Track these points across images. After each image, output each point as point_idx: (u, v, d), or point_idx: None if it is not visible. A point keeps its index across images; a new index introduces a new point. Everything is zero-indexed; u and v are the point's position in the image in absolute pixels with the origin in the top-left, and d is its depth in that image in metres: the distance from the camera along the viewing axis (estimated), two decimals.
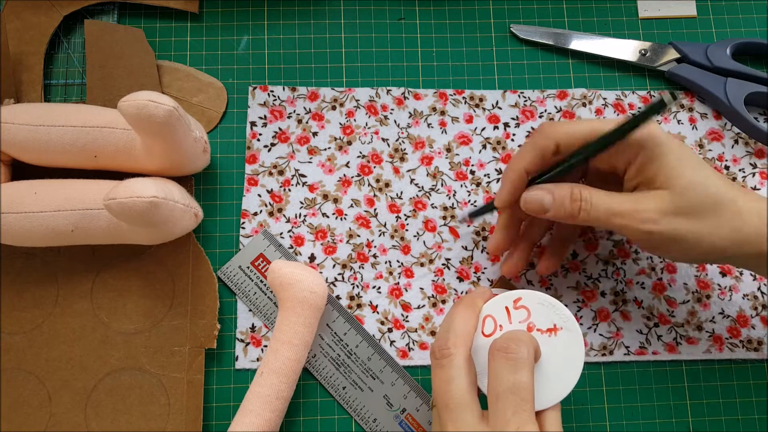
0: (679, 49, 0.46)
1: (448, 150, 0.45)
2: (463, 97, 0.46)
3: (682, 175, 0.33)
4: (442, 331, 0.34)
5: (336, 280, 0.42)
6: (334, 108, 0.45)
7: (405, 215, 0.43)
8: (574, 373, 0.33)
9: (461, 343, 0.32)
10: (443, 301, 0.42)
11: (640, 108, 0.46)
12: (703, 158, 0.45)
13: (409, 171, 0.44)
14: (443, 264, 0.43)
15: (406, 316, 0.42)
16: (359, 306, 0.42)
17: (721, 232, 0.33)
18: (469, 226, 0.43)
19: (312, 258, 0.42)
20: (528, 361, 0.31)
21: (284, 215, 0.43)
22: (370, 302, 0.42)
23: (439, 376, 0.32)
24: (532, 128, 0.45)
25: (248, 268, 0.42)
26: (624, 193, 0.35)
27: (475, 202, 0.44)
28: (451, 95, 0.45)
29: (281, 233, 0.43)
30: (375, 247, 0.43)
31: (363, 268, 0.42)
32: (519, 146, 0.45)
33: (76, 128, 0.38)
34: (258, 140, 0.44)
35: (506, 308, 0.34)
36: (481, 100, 0.46)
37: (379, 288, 0.42)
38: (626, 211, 0.34)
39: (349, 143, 0.44)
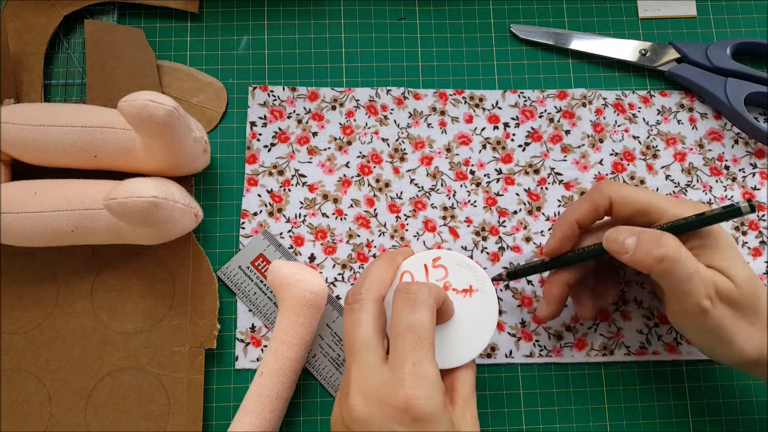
0: (679, 49, 0.46)
1: (448, 150, 0.45)
2: (463, 97, 0.46)
3: (741, 269, 0.34)
4: (358, 280, 0.35)
5: (336, 280, 0.42)
6: (334, 108, 0.45)
7: (405, 215, 0.43)
8: (487, 334, 0.35)
9: (374, 290, 0.33)
10: None
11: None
12: (703, 159, 0.45)
13: (409, 171, 0.44)
14: None
15: None
16: None
17: (753, 336, 0.34)
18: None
19: (312, 258, 0.42)
20: (427, 303, 0.31)
21: (284, 215, 0.43)
22: None
23: (349, 321, 0.33)
24: (532, 128, 0.45)
25: (248, 268, 0.42)
26: (704, 264, 0.34)
27: (474, 202, 0.44)
28: (451, 95, 0.45)
29: (281, 233, 0.43)
30: (375, 247, 0.43)
31: (363, 268, 0.42)
32: (519, 146, 0.45)
33: (76, 128, 0.38)
34: (258, 140, 0.44)
35: (425, 266, 0.36)
36: (481, 100, 0.46)
37: None
38: (704, 281, 0.33)
39: (349, 143, 0.44)
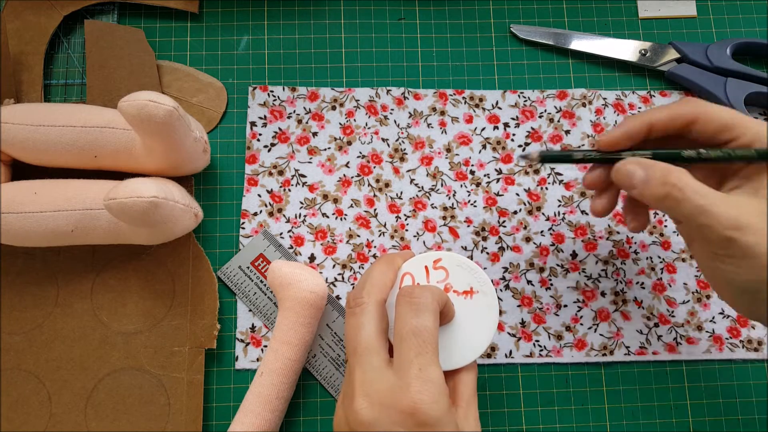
0: (679, 49, 0.46)
1: (448, 150, 0.45)
2: (463, 97, 0.46)
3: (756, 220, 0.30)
4: (359, 283, 0.35)
5: (336, 280, 0.42)
6: (334, 108, 0.45)
7: (405, 215, 0.43)
8: (487, 336, 0.35)
9: (375, 292, 0.34)
10: None
11: (640, 109, 0.46)
12: None
13: (409, 171, 0.44)
14: None
15: None
16: None
17: None
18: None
19: (312, 258, 0.42)
20: (431, 307, 0.31)
21: (284, 215, 0.43)
22: None
23: (351, 324, 0.33)
24: (532, 128, 0.45)
25: (248, 268, 0.42)
26: (719, 192, 0.31)
27: (474, 202, 0.44)
28: (451, 95, 0.46)
29: (281, 233, 0.43)
30: (375, 247, 0.43)
31: (363, 268, 0.42)
32: (519, 146, 0.45)
33: (76, 128, 0.38)
34: (258, 140, 0.44)
35: (425, 267, 0.36)
36: (481, 100, 0.46)
37: None
38: (718, 213, 0.30)
39: (349, 143, 0.44)
